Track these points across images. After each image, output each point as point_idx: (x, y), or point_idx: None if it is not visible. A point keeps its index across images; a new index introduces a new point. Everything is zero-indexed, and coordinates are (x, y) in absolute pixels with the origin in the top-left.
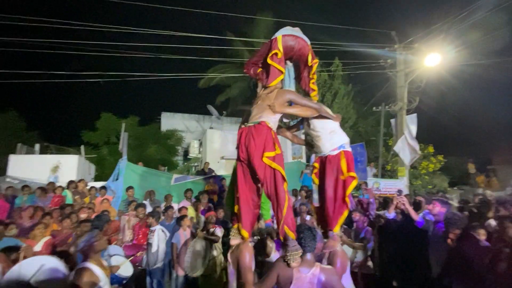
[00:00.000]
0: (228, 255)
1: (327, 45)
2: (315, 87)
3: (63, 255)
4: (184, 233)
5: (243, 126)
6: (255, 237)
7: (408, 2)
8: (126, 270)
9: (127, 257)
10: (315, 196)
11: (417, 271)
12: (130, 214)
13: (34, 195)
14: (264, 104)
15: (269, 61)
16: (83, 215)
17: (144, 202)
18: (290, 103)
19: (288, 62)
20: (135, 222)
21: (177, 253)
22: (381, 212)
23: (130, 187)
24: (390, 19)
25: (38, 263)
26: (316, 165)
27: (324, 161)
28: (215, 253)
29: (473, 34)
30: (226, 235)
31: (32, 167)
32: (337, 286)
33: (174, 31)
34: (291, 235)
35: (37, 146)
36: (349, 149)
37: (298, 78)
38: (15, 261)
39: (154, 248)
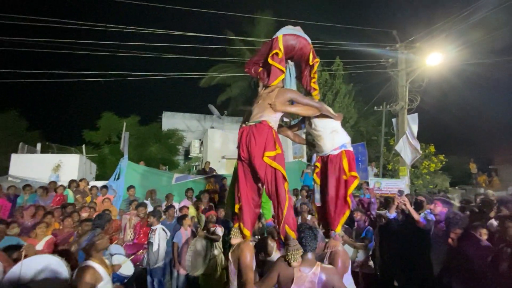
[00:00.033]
0: (229, 254)
1: (328, 44)
2: (316, 86)
3: (65, 254)
4: (185, 232)
5: (244, 125)
6: (256, 237)
7: (410, 1)
8: (127, 269)
9: (128, 256)
10: (317, 196)
11: (418, 271)
12: (131, 213)
13: (35, 194)
14: (265, 103)
15: (269, 61)
16: (84, 214)
17: (146, 201)
18: (292, 102)
19: (289, 61)
20: (136, 221)
21: (178, 252)
22: (382, 212)
23: (131, 187)
24: (391, 18)
25: (39, 262)
26: (318, 164)
27: (325, 160)
28: (216, 252)
29: (474, 33)
30: (227, 234)
31: (33, 166)
32: (338, 285)
33: (175, 31)
34: (292, 234)
35: (38, 146)
36: (350, 148)
37: (299, 77)
38: (17, 260)
39: (155, 247)
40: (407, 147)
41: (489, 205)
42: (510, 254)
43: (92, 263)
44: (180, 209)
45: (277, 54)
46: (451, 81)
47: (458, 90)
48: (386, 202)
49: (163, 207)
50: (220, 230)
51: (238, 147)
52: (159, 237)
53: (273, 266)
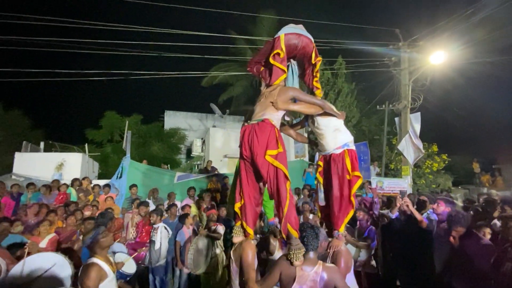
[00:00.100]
0: (231, 252)
1: (330, 43)
2: (318, 85)
3: (68, 252)
4: (188, 231)
5: (246, 124)
6: (257, 235)
7: (413, 0)
8: (129, 267)
9: (130, 254)
10: (321, 195)
11: (420, 271)
12: (133, 212)
13: (39, 193)
14: (267, 102)
15: (271, 61)
16: (87, 213)
17: (148, 200)
18: (294, 100)
19: (291, 60)
20: (138, 219)
21: (180, 251)
22: (384, 211)
23: (133, 185)
24: (394, 17)
25: (43, 260)
26: (320, 163)
27: (328, 159)
28: (217, 251)
29: (478, 32)
30: (229, 232)
31: (37, 165)
32: (340, 284)
33: (177, 30)
34: (294, 233)
35: (41, 144)
36: (353, 147)
37: (302, 75)
38: (20, 258)
39: (157, 246)
40: (410, 147)
41: (493, 205)
42: None
43: (97, 260)
44: (182, 207)
45: (278, 54)
46: (454, 80)
47: (462, 89)
48: (389, 201)
49: (165, 205)
50: (221, 229)
51: (240, 145)
52: (161, 236)
53: (275, 265)
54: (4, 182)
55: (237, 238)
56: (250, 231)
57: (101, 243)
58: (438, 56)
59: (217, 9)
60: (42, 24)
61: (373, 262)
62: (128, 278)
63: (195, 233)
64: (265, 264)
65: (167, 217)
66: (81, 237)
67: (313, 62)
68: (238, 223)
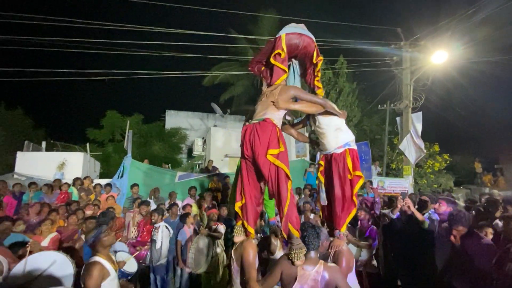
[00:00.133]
0: (232, 252)
1: (331, 42)
2: (320, 84)
3: (69, 251)
4: (189, 230)
5: (247, 123)
6: (258, 235)
7: None
8: (131, 266)
9: (131, 253)
10: (323, 195)
11: (422, 271)
12: (135, 211)
13: (41, 192)
14: (268, 101)
15: (272, 61)
16: (88, 212)
17: (149, 200)
18: (295, 99)
19: (293, 60)
20: (139, 219)
21: (181, 250)
22: (386, 211)
23: (134, 185)
24: (396, 16)
25: (45, 259)
26: (322, 163)
27: (329, 159)
28: (218, 250)
29: (480, 31)
30: (230, 232)
31: (38, 164)
32: (341, 284)
33: (178, 29)
34: (296, 233)
35: (43, 144)
36: (354, 147)
37: (303, 75)
38: (22, 257)
39: (158, 245)
40: (411, 146)
41: (495, 205)
42: None
43: (99, 258)
44: (184, 207)
45: (279, 54)
46: (456, 80)
47: (463, 89)
48: (390, 201)
49: (166, 205)
50: (222, 228)
51: (242, 145)
52: (162, 235)
53: (276, 264)
54: (6, 181)
55: (238, 237)
56: (251, 230)
57: (103, 242)
58: (439, 56)
59: (218, 9)
60: (43, 24)
61: (374, 262)
62: (129, 277)
63: (196, 232)
64: (266, 264)
65: (168, 216)
66: (82, 236)
67: (314, 61)
68: (239, 223)
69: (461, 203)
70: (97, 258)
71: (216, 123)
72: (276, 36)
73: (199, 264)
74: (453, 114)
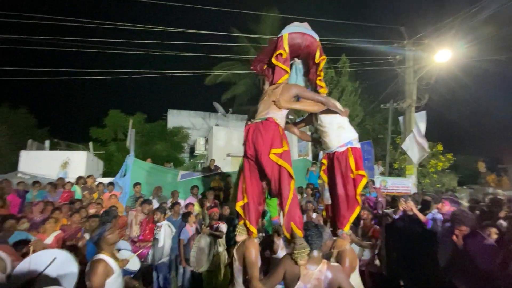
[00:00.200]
0: (234, 251)
1: (334, 41)
2: (322, 83)
3: (73, 249)
4: (191, 229)
5: (249, 122)
6: (260, 234)
7: None
8: (133, 264)
9: (134, 252)
10: (326, 194)
11: (424, 270)
12: (137, 210)
13: (44, 190)
14: (270, 100)
15: (273, 61)
16: (91, 210)
17: (152, 200)
18: (298, 98)
19: (296, 59)
20: (142, 217)
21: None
22: (388, 211)
23: (137, 183)
24: (399, 14)
25: (48, 257)
26: (324, 161)
27: (331, 158)
28: (220, 249)
29: (484, 30)
30: (232, 231)
31: (42, 163)
32: (344, 283)
33: (181, 28)
34: (299, 233)
35: (47, 143)
36: (357, 145)
37: (306, 73)
38: (25, 255)
39: (160, 244)
40: (414, 146)
41: (499, 205)
42: None
43: (104, 256)
44: (186, 206)
45: (281, 54)
46: (459, 79)
47: (467, 88)
48: (393, 201)
49: (169, 204)
50: (224, 227)
51: (244, 144)
52: (165, 234)
53: (280, 263)
54: (10, 180)
55: (240, 236)
56: (254, 229)
57: (108, 240)
58: (443, 54)
59: (221, 8)
60: (46, 24)
61: (377, 262)
62: (132, 275)
63: (198, 231)
64: (268, 263)
65: (171, 215)
66: (85, 235)
67: (317, 61)
68: (241, 222)
69: (465, 203)
70: (101, 256)
71: (218, 122)
72: (279, 35)
73: (200, 263)
74: (457, 113)
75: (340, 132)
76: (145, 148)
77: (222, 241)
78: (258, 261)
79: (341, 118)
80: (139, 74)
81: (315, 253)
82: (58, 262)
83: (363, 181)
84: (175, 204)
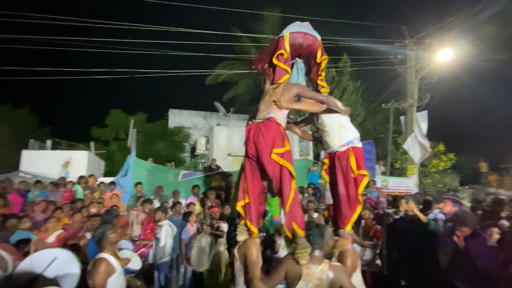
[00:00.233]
0: (235, 250)
1: (335, 40)
2: (324, 83)
3: (74, 249)
4: (192, 228)
5: (250, 122)
6: (260, 234)
7: None
8: (135, 263)
9: (135, 251)
10: (328, 193)
11: (426, 270)
12: (138, 209)
13: (46, 190)
14: (271, 100)
15: (274, 61)
16: (93, 210)
17: (154, 200)
18: (299, 97)
19: (297, 59)
20: (143, 217)
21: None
22: (390, 211)
23: (138, 183)
24: (400, 14)
25: (50, 256)
26: (326, 161)
27: (333, 157)
28: (221, 248)
29: (486, 29)
30: (233, 230)
31: (44, 162)
32: (346, 283)
33: (182, 28)
34: (300, 232)
35: (48, 142)
36: (358, 144)
37: (308, 73)
38: (26, 254)
39: (161, 243)
40: (416, 145)
41: (501, 205)
42: None
43: (106, 255)
44: (187, 205)
45: (282, 54)
46: (461, 78)
47: (469, 87)
48: (394, 201)
49: (170, 203)
50: (224, 226)
51: (246, 144)
52: (166, 233)
53: (281, 263)
54: (11, 179)
55: (241, 236)
56: (254, 229)
57: (110, 239)
58: (445, 54)
59: (222, 7)
60: (47, 23)
61: (378, 261)
62: (133, 274)
63: (199, 231)
64: (270, 262)
65: (172, 214)
66: (87, 234)
67: (318, 61)
68: (242, 222)
69: (466, 203)
70: (103, 255)
71: (219, 122)
72: (280, 35)
73: (201, 262)
74: (458, 113)
75: (341, 132)
76: (146, 148)
77: (223, 240)
78: (259, 260)
79: (342, 117)
80: (141, 74)
81: (317, 252)
82: (59, 262)
83: (365, 181)
84: (176, 203)
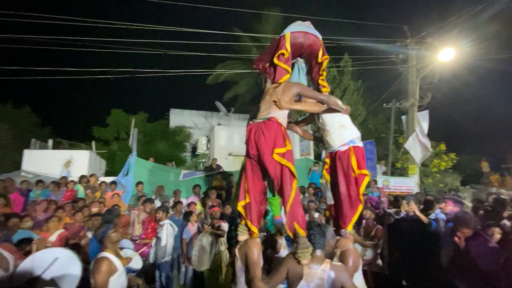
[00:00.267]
0: (236, 250)
1: (336, 40)
2: (325, 83)
3: (75, 248)
4: (193, 228)
5: (251, 122)
6: (261, 233)
7: None
8: (136, 263)
9: (136, 251)
10: (329, 193)
11: (427, 270)
12: (139, 209)
13: (47, 189)
14: (272, 100)
15: (275, 61)
16: (94, 209)
17: (156, 200)
18: (299, 97)
19: (298, 58)
20: (144, 216)
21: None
22: (391, 211)
23: (139, 182)
24: (402, 13)
25: (52, 255)
26: (327, 160)
27: (334, 157)
28: (222, 248)
29: (488, 28)
30: (234, 229)
31: (45, 162)
32: (347, 283)
33: (183, 28)
34: (302, 232)
35: (50, 142)
36: (359, 144)
37: (309, 72)
38: (28, 253)
39: (163, 242)
40: (417, 145)
41: (503, 205)
42: None
43: (108, 254)
44: (188, 205)
45: (283, 54)
46: (463, 78)
47: (471, 87)
48: (395, 200)
49: (171, 203)
50: (225, 226)
51: (247, 144)
52: (167, 233)
53: (282, 263)
54: (13, 179)
55: (243, 236)
56: (255, 229)
57: (112, 238)
58: (446, 53)
59: (223, 7)
60: (49, 23)
61: (379, 261)
62: (134, 274)
63: (200, 230)
64: (271, 262)
65: (173, 214)
66: (88, 233)
67: (320, 60)
68: (243, 222)
69: (468, 202)
70: (105, 254)
71: (220, 122)
72: (281, 34)
73: (202, 262)
74: (460, 113)
75: (342, 131)
76: (147, 147)
77: (223, 240)
78: (260, 261)
79: (342, 116)
80: (142, 74)
81: (318, 252)
82: (61, 262)
83: (366, 180)
84: (177, 203)
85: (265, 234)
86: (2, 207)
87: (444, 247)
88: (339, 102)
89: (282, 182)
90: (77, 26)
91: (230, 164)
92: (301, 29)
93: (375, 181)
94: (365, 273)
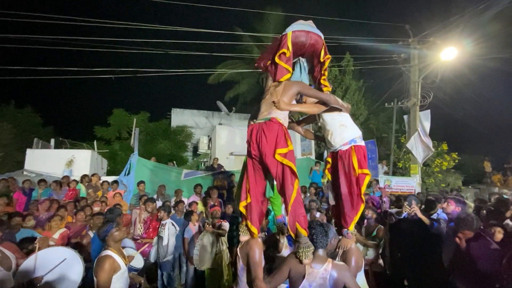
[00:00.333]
0: (238, 250)
1: (338, 39)
2: (326, 83)
3: (77, 247)
4: (195, 227)
5: (252, 122)
6: (262, 233)
7: None
8: (137, 262)
9: (137, 250)
10: (331, 194)
11: (428, 270)
12: (141, 208)
13: (50, 188)
14: (272, 100)
15: (276, 60)
16: (96, 208)
17: (157, 201)
18: (300, 96)
19: (300, 58)
20: (146, 216)
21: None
22: (393, 211)
23: (141, 182)
24: (404, 12)
25: (54, 254)
26: (329, 160)
27: (335, 156)
28: (223, 247)
29: (491, 27)
30: (235, 229)
31: (47, 161)
32: (350, 282)
33: (184, 27)
34: (303, 232)
35: (52, 141)
36: (361, 143)
37: (311, 71)
38: (30, 252)
39: (164, 242)
40: (419, 145)
41: (505, 205)
42: None
43: (111, 252)
44: (190, 204)
45: (284, 53)
46: (465, 77)
47: (473, 86)
48: (397, 200)
49: (172, 202)
50: (226, 225)
51: (248, 144)
52: (169, 232)
53: (284, 262)
54: (16, 178)
55: (244, 236)
56: (255, 230)
57: (115, 237)
58: (449, 53)
59: (224, 7)
60: (51, 23)
61: (381, 261)
62: (136, 272)
63: (200, 229)
64: (272, 262)
65: (174, 213)
66: (90, 232)
67: (322, 60)
68: (244, 222)
69: (470, 202)
70: (108, 252)
71: (222, 121)
72: (283, 33)
73: (203, 261)
74: (462, 112)
75: (343, 131)
76: (149, 147)
77: (224, 239)
78: (262, 261)
79: (343, 116)
80: (143, 73)
81: (320, 251)
82: (63, 259)
83: (367, 179)
84: (178, 202)
85: (266, 233)
86: (4, 206)
87: (445, 247)
88: (340, 100)
89: (284, 182)
90: (79, 26)
91: (231, 163)
92: (303, 28)
93: (377, 181)
94: (366, 273)
